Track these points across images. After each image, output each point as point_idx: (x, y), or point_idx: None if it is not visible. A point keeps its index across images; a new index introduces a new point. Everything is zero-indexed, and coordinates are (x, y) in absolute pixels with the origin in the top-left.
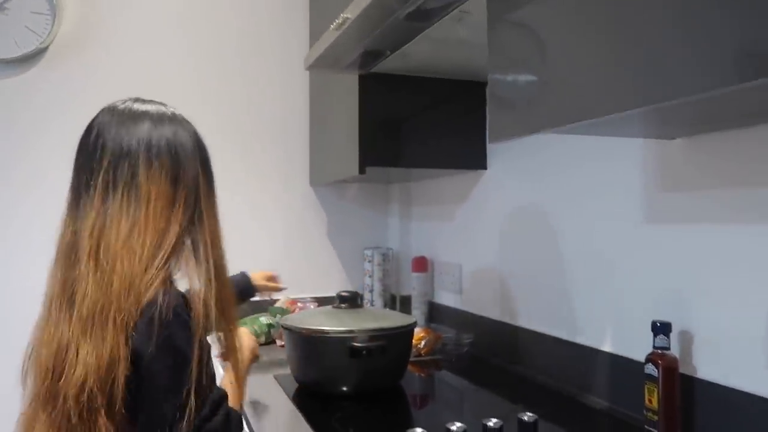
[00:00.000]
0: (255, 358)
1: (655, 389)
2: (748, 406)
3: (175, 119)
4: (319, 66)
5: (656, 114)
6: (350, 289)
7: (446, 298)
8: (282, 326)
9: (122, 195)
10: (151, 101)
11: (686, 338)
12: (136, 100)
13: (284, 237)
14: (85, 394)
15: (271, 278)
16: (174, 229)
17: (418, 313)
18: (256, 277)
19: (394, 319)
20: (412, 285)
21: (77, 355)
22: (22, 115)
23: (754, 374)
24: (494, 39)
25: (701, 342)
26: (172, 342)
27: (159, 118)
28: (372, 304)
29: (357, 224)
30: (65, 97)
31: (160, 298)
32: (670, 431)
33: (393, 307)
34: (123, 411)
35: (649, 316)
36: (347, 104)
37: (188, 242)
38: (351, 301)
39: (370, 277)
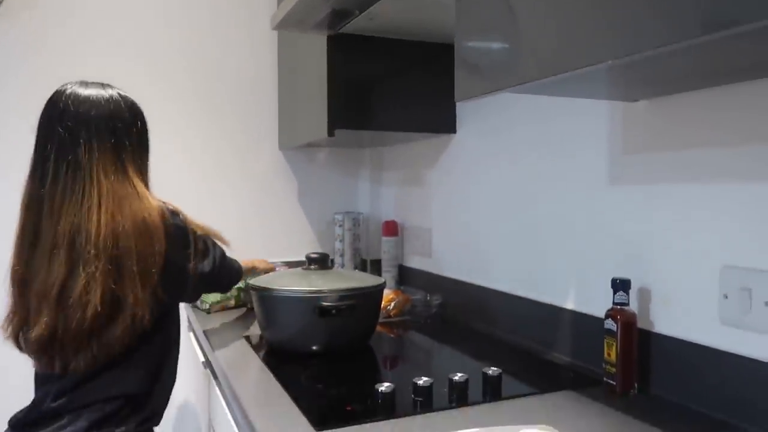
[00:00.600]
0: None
1: (614, 343)
2: (701, 357)
3: (112, 99)
4: (287, 26)
5: (617, 72)
6: None
7: (416, 262)
8: (251, 287)
9: (67, 170)
10: (93, 84)
11: (645, 295)
12: (81, 83)
13: (254, 201)
14: (45, 300)
15: None
16: (135, 181)
17: (388, 277)
18: None
19: (363, 279)
20: (382, 249)
21: (36, 280)
22: None
23: (707, 328)
24: None
25: (659, 298)
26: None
27: (98, 102)
28: (342, 268)
29: (327, 189)
30: (20, 54)
31: (165, 218)
32: (626, 382)
33: (363, 271)
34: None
35: (611, 274)
36: (316, 66)
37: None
38: (320, 262)
39: (340, 241)
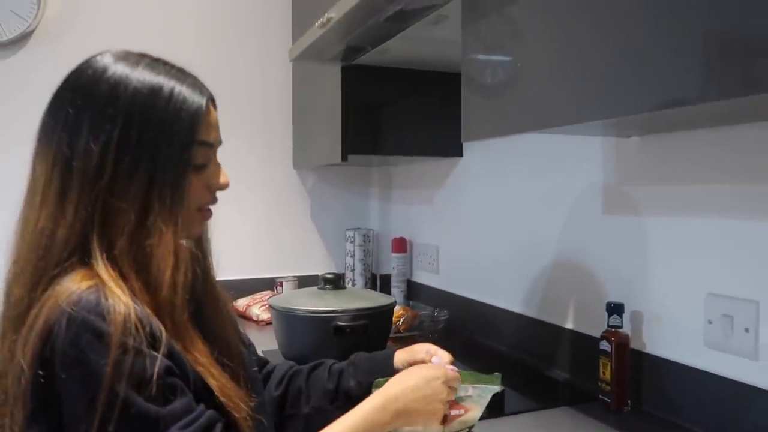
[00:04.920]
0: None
1: (608, 363)
2: (688, 377)
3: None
4: (303, 59)
5: (613, 121)
6: (332, 268)
7: (424, 278)
8: (270, 306)
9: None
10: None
11: (637, 317)
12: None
13: (268, 217)
14: None
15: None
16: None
17: (397, 292)
18: (409, 353)
19: (375, 299)
20: (391, 265)
21: None
22: (9, 101)
23: (694, 350)
24: (468, 48)
25: (650, 321)
26: (80, 356)
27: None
28: (353, 283)
29: (339, 206)
30: (53, 81)
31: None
32: (620, 400)
33: (373, 286)
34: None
35: (605, 296)
36: (330, 94)
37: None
38: (334, 282)
39: (351, 256)
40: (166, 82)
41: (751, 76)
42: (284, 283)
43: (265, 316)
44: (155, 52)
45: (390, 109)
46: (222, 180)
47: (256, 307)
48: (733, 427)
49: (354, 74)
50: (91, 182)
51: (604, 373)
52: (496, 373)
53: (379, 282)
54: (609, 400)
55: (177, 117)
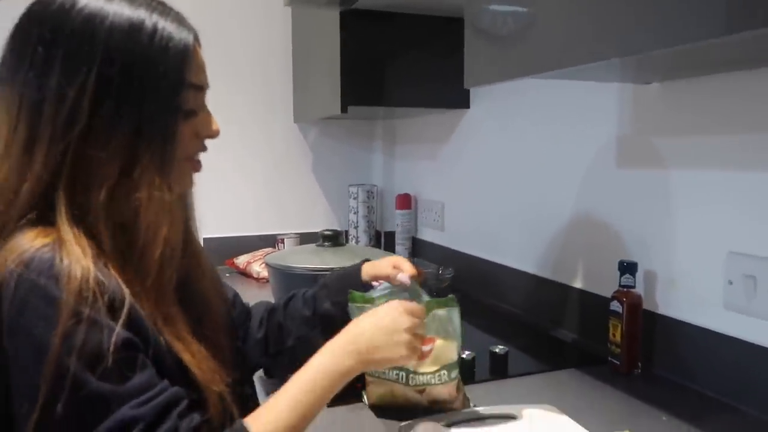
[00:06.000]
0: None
1: (619, 324)
2: (704, 340)
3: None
4: (299, 1)
5: (633, 61)
6: (335, 225)
7: (429, 235)
8: (267, 264)
9: None
10: None
11: (650, 277)
12: None
13: (269, 173)
14: None
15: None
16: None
17: (401, 249)
18: (374, 267)
19: (375, 256)
20: (396, 221)
21: None
22: None
23: (711, 312)
24: None
25: (664, 281)
26: (27, 324)
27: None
28: (357, 241)
29: (342, 161)
30: None
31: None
32: (630, 363)
33: (377, 243)
34: None
35: (618, 254)
36: (329, 42)
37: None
38: (333, 239)
39: (354, 213)
40: (148, 17)
41: None
42: (286, 240)
43: (265, 273)
44: None
45: (392, 58)
46: (214, 127)
47: (257, 264)
48: (751, 392)
49: (353, 20)
50: (64, 129)
51: (614, 335)
52: (451, 296)
53: (384, 239)
54: (618, 363)
55: (164, 56)
